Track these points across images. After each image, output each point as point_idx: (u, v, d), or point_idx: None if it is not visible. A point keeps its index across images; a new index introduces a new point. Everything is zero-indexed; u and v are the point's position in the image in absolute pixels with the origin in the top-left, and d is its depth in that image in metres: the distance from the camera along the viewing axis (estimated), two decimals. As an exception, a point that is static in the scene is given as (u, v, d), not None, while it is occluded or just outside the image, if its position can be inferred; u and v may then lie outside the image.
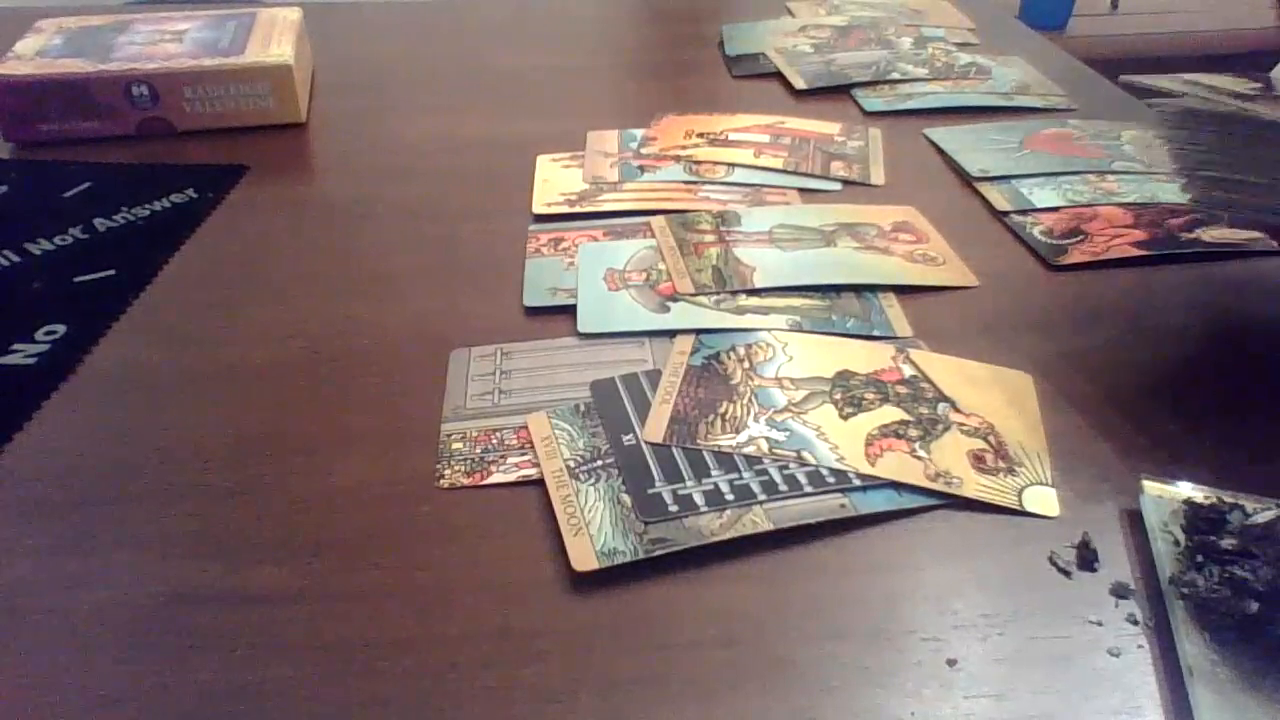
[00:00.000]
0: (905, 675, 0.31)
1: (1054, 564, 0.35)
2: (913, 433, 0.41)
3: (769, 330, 0.47)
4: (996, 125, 0.69)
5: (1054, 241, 0.55)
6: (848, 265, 0.52)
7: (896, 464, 0.39)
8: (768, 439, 0.40)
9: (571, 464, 0.39)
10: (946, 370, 0.45)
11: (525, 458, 0.40)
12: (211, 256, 0.55)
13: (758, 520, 0.36)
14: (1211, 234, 0.55)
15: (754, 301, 0.50)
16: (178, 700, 0.30)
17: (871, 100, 0.74)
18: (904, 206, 0.59)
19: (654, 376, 0.44)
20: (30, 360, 0.46)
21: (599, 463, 0.39)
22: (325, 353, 0.47)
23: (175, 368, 0.46)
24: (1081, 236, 0.55)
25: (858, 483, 0.38)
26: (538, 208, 0.59)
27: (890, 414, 0.42)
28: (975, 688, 0.31)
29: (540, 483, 0.38)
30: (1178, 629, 0.32)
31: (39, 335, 0.48)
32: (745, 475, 0.38)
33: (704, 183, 0.62)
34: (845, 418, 0.41)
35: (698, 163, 0.64)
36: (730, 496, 0.37)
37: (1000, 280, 0.52)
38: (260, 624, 0.33)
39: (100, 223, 0.58)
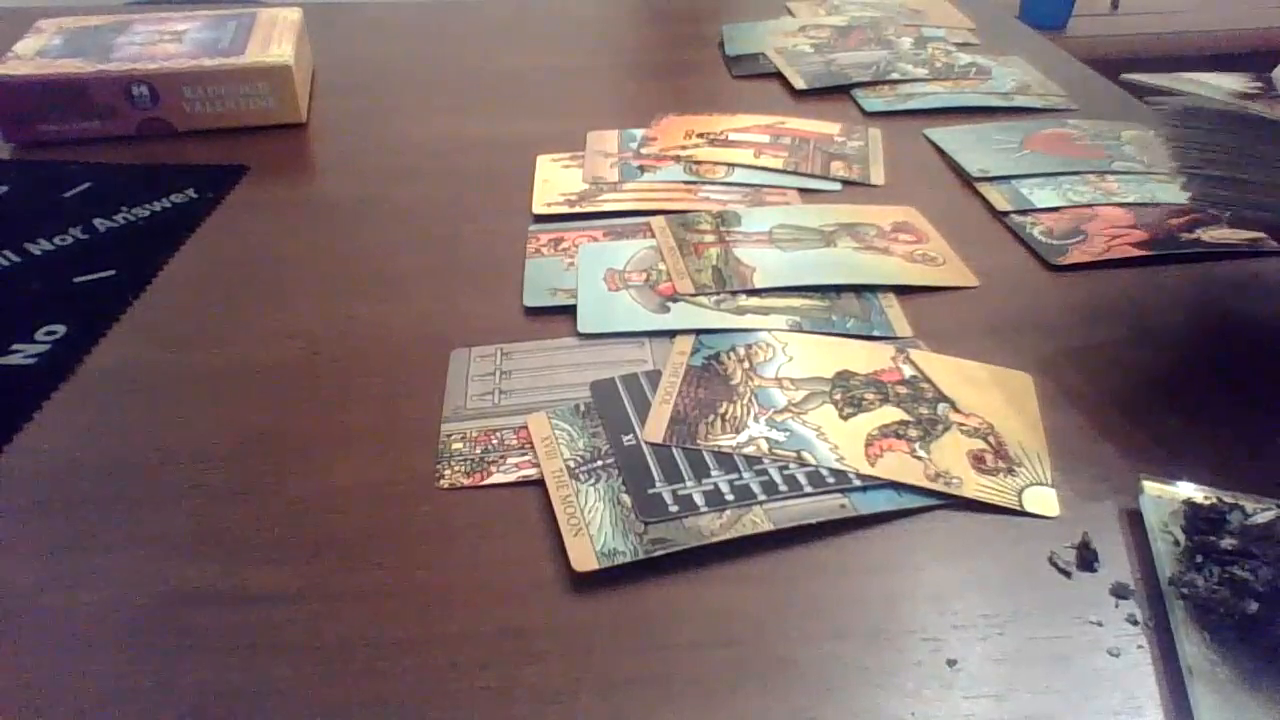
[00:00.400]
0: (905, 675, 0.31)
1: (1054, 564, 0.35)
2: (913, 433, 0.41)
3: (769, 330, 0.47)
4: (996, 125, 0.69)
5: (1054, 241, 0.55)
6: (848, 265, 0.52)
7: (896, 464, 0.39)
8: (768, 439, 0.40)
9: (571, 464, 0.39)
10: (946, 370, 0.45)
11: (525, 458, 0.40)
12: (211, 256, 0.55)
13: (758, 520, 0.36)
14: (1211, 234, 0.55)
15: (754, 302, 0.50)
16: (178, 700, 0.30)
17: (871, 100, 0.74)
18: (904, 207, 0.59)
19: (654, 377, 0.44)
20: (30, 360, 0.46)
21: (599, 463, 0.39)
22: (325, 353, 0.47)
23: (175, 368, 0.46)
24: (1081, 236, 0.55)
25: (858, 483, 0.38)
26: (538, 208, 0.59)
27: (890, 414, 0.42)
28: (975, 688, 0.31)
29: (540, 483, 0.38)
30: (1178, 629, 0.32)
31: (39, 335, 0.48)
32: (745, 475, 0.38)
33: (704, 183, 0.62)
34: (845, 418, 0.41)
35: (698, 163, 0.64)
36: (730, 497, 0.37)
37: (1000, 280, 0.52)
38: (260, 624, 0.33)
39: (100, 223, 0.58)
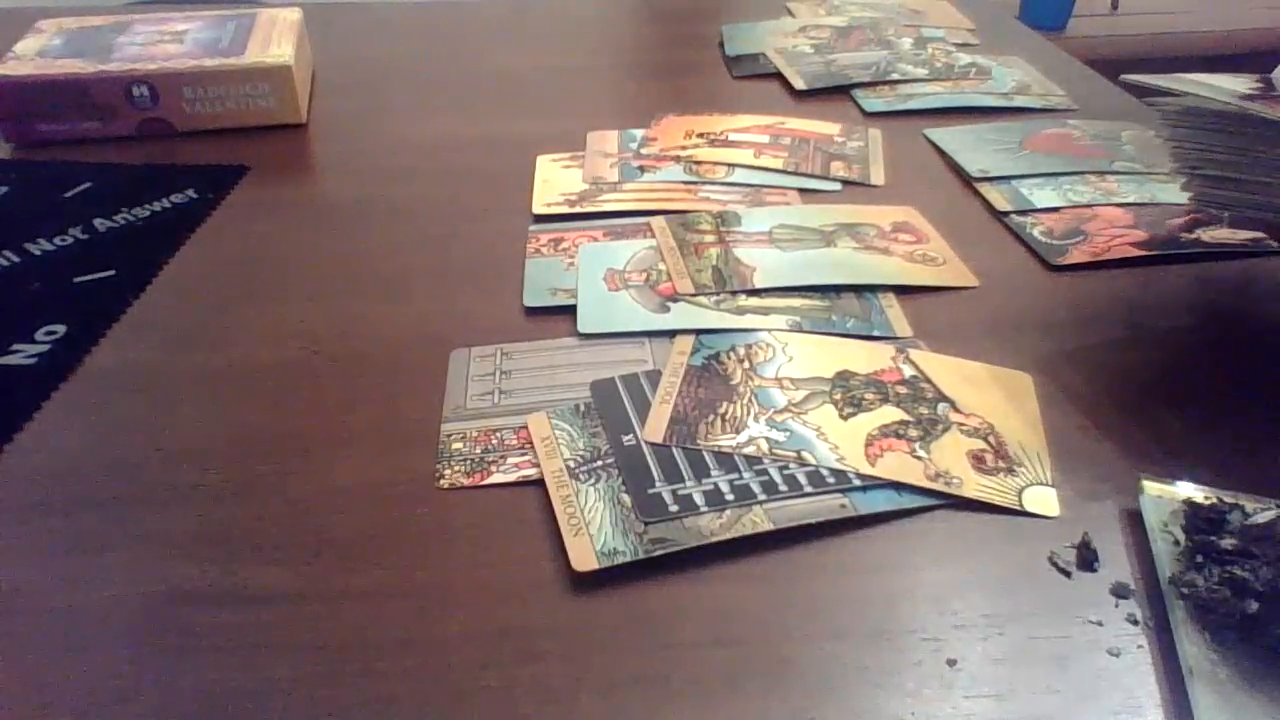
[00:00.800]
0: (905, 675, 0.31)
1: (1054, 564, 0.35)
2: (913, 433, 0.41)
3: (769, 330, 0.47)
4: (996, 125, 0.69)
5: (1054, 241, 0.55)
6: (848, 265, 0.52)
7: (896, 464, 0.39)
8: (768, 439, 0.40)
9: (571, 464, 0.39)
10: (946, 370, 0.45)
11: (525, 458, 0.40)
12: (211, 256, 0.55)
13: (758, 520, 0.36)
14: (1211, 234, 0.55)
15: (754, 302, 0.50)
16: (178, 700, 0.30)
17: (871, 101, 0.74)
18: (904, 207, 0.59)
19: (654, 377, 0.44)
20: (30, 360, 0.46)
21: (599, 463, 0.39)
22: (325, 353, 0.47)
23: (175, 368, 0.46)
24: (1081, 236, 0.55)
25: (858, 483, 0.38)
26: (538, 208, 0.59)
27: (890, 414, 0.42)
28: (975, 688, 0.31)
29: (540, 483, 0.38)
30: (1178, 629, 0.32)
31: (39, 335, 0.48)
32: (745, 475, 0.38)
33: (704, 183, 0.62)
34: (845, 418, 0.41)
35: (698, 163, 0.64)
36: (730, 496, 0.37)
37: (1000, 280, 0.52)
38: (260, 624, 0.33)
39: (100, 223, 0.58)
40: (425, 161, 0.66)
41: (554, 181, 0.62)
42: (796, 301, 0.50)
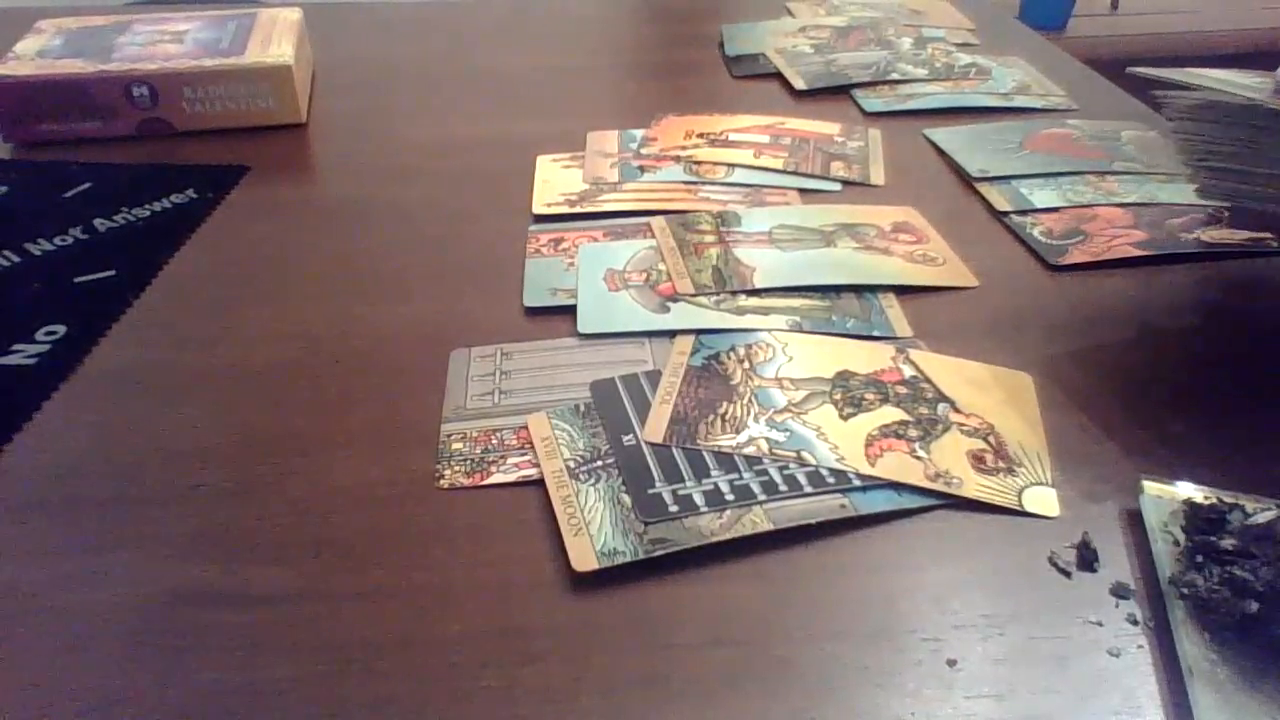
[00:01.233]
0: (905, 675, 0.31)
1: (1054, 564, 0.35)
2: (913, 433, 0.41)
3: (769, 330, 0.47)
4: (996, 125, 0.69)
5: (1054, 241, 0.55)
6: (848, 266, 0.52)
7: (896, 464, 0.39)
8: (768, 439, 0.40)
9: (571, 464, 0.39)
10: (946, 370, 0.45)
11: (525, 458, 0.40)
12: (211, 256, 0.55)
13: (758, 520, 0.36)
14: (1211, 234, 0.55)
15: (754, 302, 0.50)
16: (178, 700, 0.30)
17: (871, 101, 0.74)
18: (904, 207, 0.59)
19: (654, 377, 0.44)
20: (30, 360, 0.46)
21: (599, 463, 0.39)
22: (325, 353, 0.47)
23: (175, 368, 0.46)
24: (1081, 236, 0.55)
25: (858, 483, 0.38)
26: (538, 208, 0.59)
27: (890, 414, 0.42)
28: (975, 688, 0.31)
29: (540, 483, 0.38)
30: (1178, 629, 0.32)
31: (39, 335, 0.48)
32: (745, 475, 0.38)
33: (704, 183, 0.62)
34: (845, 418, 0.41)
35: (698, 163, 0.64)
36: (730, 496, 0.37)
37: (1000, 280, 0.52)
38: (260, 624, 0.33)
39: (100, 223, 0.58)
40: (425, 161, 0.66)
41: (554, 181, 0.62)
42: (796, 301, 0.50)
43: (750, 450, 0.39)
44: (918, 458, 0.39)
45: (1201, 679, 0.30)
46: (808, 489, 0.38)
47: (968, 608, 0.34)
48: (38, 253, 0.55)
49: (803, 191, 0.62)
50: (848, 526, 0.37)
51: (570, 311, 0.49)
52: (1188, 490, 0.37)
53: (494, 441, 0.41)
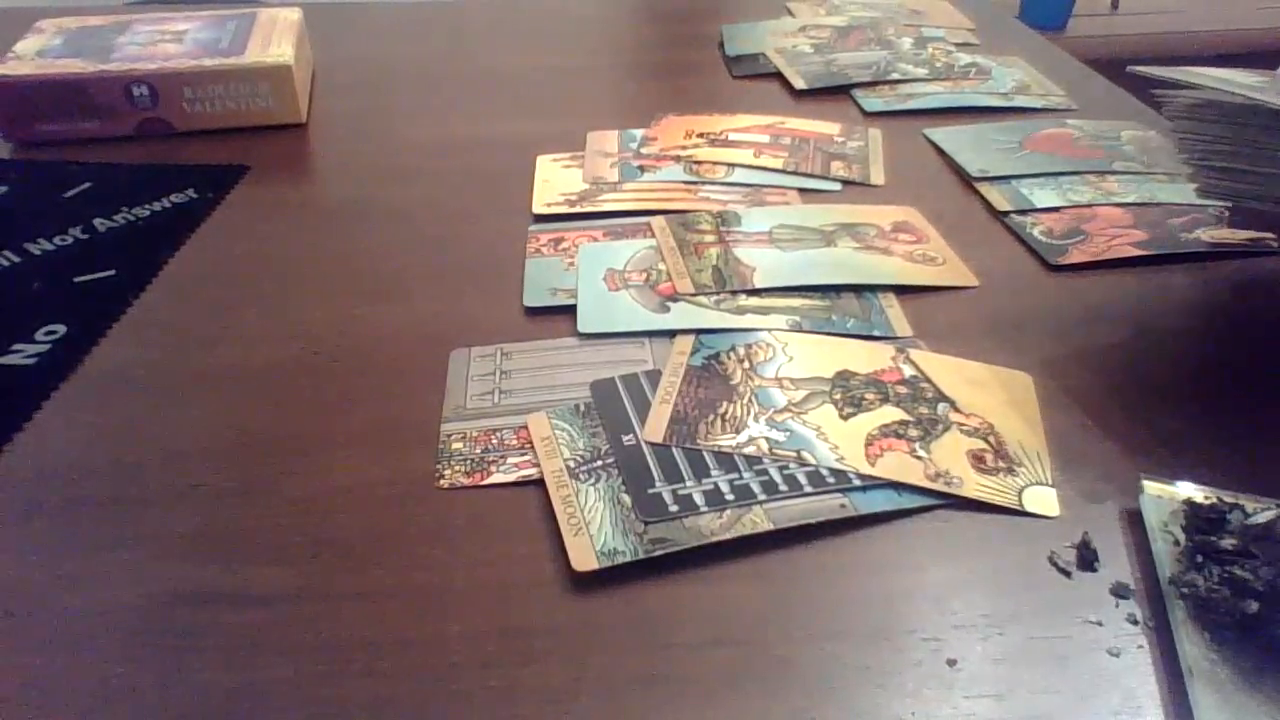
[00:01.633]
0: (905, 675, 0.31)
1: (1054, 564, 0.35)
2: (913, 433, 0.41)
3: (769, 330, 0.47)
4: (996, 125, 0.69)
5: (1054, 241, 0.55)
6: (848, 265, 0.52)
7: (896, 464, 0.39)
8: (768, 439, 0.40)
9: (571, 464, 0.39)
10: (946, 370, 0.45)
11: (525, 458, 0.40)
12: (211, 256, 0.55)
13: (758, 520, 0.36)
14: (1211, 234, 0.55)
15: (754, 301, 0.50)
16: (178, 700, 0.30)
17: (871, 100, 0.74)
18: (904, 206, 0.59)
19: (654, 376, 0.44)
20: (30, 360, 0.46)
21: (599, 463, 0.39)
22: (325, 353, 0.47)
23: (175, 368, 0.46)
24: (1081, 236, 0.55)
25: (858, 483, 0.38)
26: (538, 208, 0.59)
27: (890, 414, 0.42)
28: (975, 688, 0.31)
29: (540, 483, 0.38)
30: (1178, 629, 0.32)
31: (39, 335, 0.48)
32: (745, 475, 0.38)
33: (704, 183, 0.62)
34: (845, 418, 0.41)
35: (698, 163, 0.64)
36: (730, 496, 0.37)
37: (1000, 280, 0.52)
38: (260, 624, 0.33)
39: (100, 223, 0.58)
40: (425, 161, 0.66)
41: (554, 181, 0.62)
42: (796, 301, 0.50)
43: (750, 450, 0.39)
44: (918, 458, 0.39)
45: (1201, 679, 0.30)
46: (808, 489, 0.38)
47: (968, 608, 0.34)
48: (38, 253, 0.55)
49: (803, 191, 0.62)
50: (848, 526, 0.37)
51: (570, 311, 0.49)
52: (1188, 490, 0.37)
53: (494, 441, 0.41)
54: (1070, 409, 0.43)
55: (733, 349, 0.46)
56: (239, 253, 0.56)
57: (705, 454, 0.39)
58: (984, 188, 0.61)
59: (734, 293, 0.50)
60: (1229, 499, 0.36)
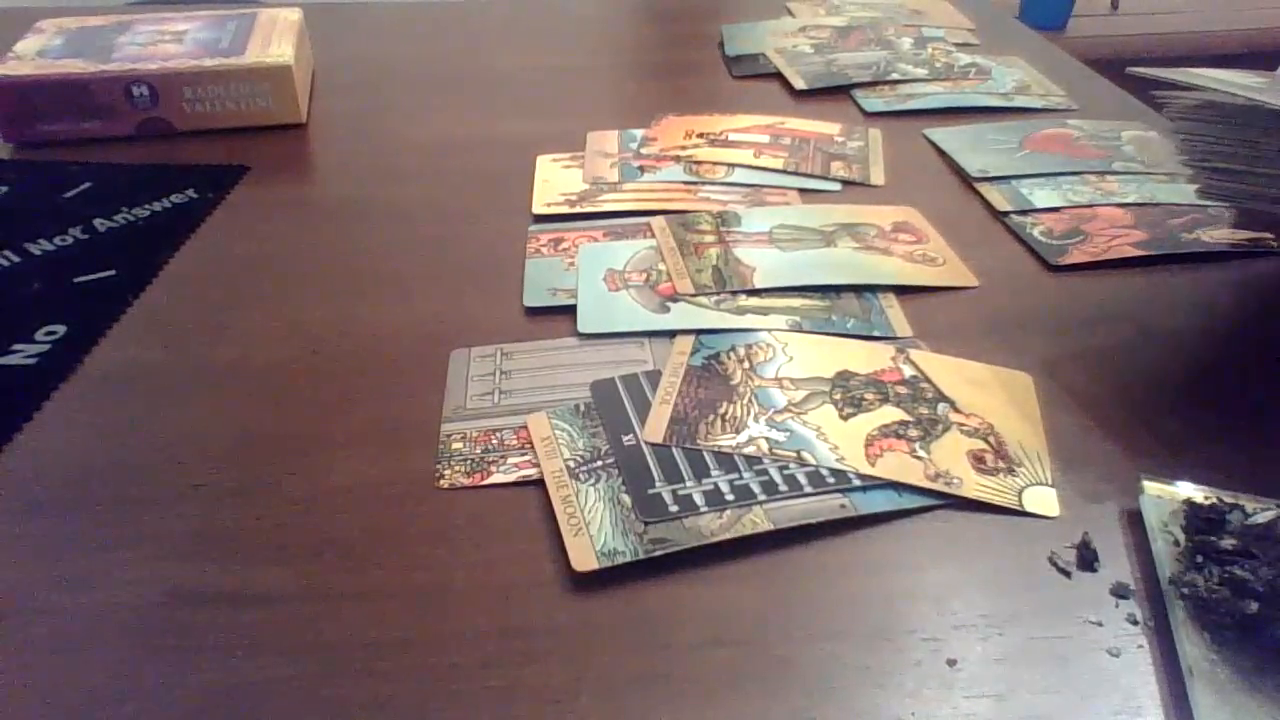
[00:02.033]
0: (905, 675, 0.31)
1: (1054, 564, 0.35)
2: (913, 433, 0.40)
3: (769, 330, 0.47)
4: (996, 125, 0.69)
5: (1054, 241, 0.55)
6: (848, 265, 0.52)
7: (896, 464, 0.39)
8: (768, 439, 0.40)
9: (571, 464, 0.39)
10: (946, 370, 0.45)
11: (525, 458, 0.40)
12: (211, 256, 0.55)
13: (758, 520, 0.36)
14: (1211, 234, 0.55)
15: (754, 302, 0.50)
16: (178, 700, 0.30)
17: (871, 101, 0.74)
18: (904, 207, 0.59)
19: (654, 377, 0.44)
20: (30, 360, 0.46)
21: (599, 463, 0.39)
22: (325, 353, 0.47)
23: (175, 368, 0.46)
24: (1081, 236, 0.55)
25: (858, 483, 0.38)
26: (538, 208, 0.59)
27: (890, 414, 0.42)
28: (975, 688, 0.31)
29: (540, 483, 0.38)
30: (1178, 629, 0.32)
31: (39, 335, 0.48)
32: (745, 475, 0.38)
33: (704, 183, 0.62)
34: (845, 418, 0.41)
35: (698, 163, 0.64)
36: (730, 497, 0.37)
37: (1000, 280, 0.52)
38: (260, 624, 0.33)
39: (100, 223, 0.58)
40: (425, 161, 0.66)
41: (554, 181, 0.62)
42: (796, 301, 0.50)
43: (750, 450, 0.39)
44: (918, 458, 0.39)
45: (1201, 679, 0.30)
46: (808, 489, 0.38)
47: (968, 608, 0.34)
48: (38, 253, 0.55)
49: (803, 191, 0.62)
50: (848, 526, 0.37)
51: (570, 311, 0.49)
52: (1188, 490, 0.37)
53: (494, 441, 0.41)
54: (1070, 409, 0.43)
55: (733, 349, 0.46)
56: (239, 253, 0.56)
57: (705, 454, 0.39)
58: (984, 188, 0.61)
59: (734, 293, 0.50)
60: (1229, 499, 0.36)
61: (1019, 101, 0.73)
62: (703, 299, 0.50)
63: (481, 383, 0.44)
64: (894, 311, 0.49)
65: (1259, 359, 0.46)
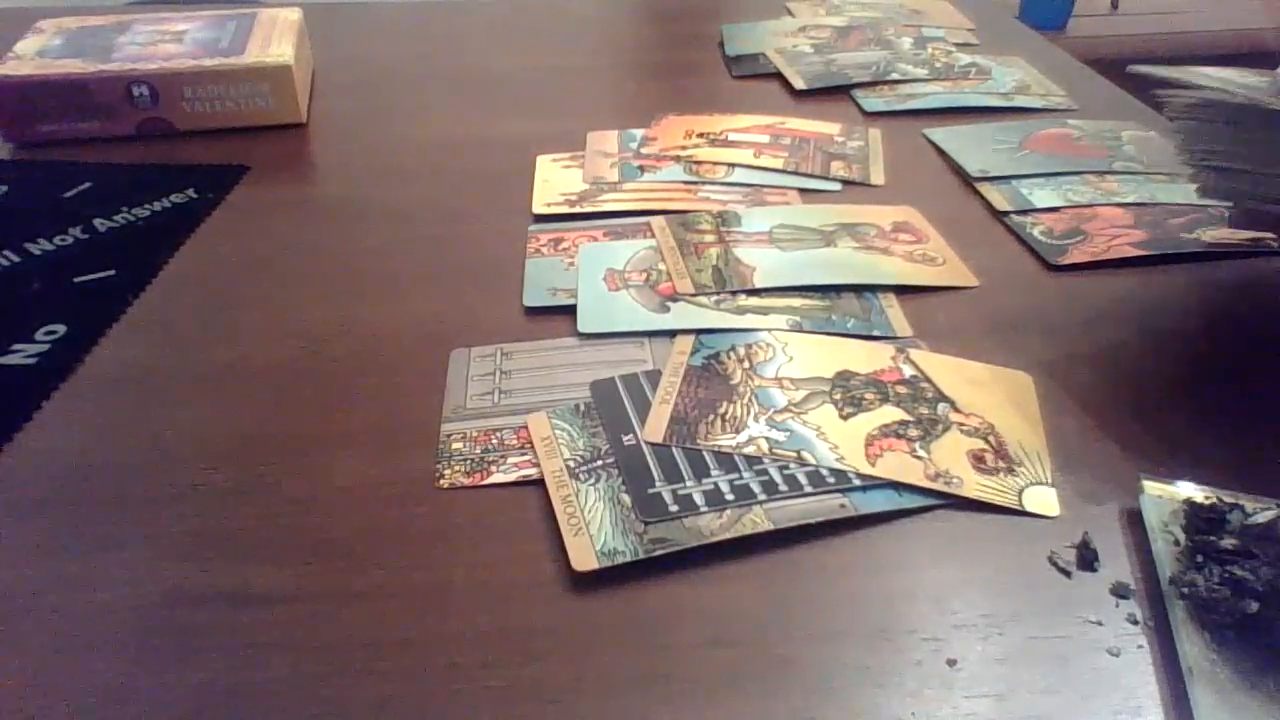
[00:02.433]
0: (905, 675, 0.31)
1: (1054, 564, 0.35)
2: (913, 433, 0.41)
3: (769, 330, 0.47)
4: (996, 125, 0.69)
5: (1054, 241, 0.55)
6: (848, 265, 0.52)
7: (896, 464, 0.39)
8: (768, 439, 0.40)
9: (571, 464, 0.39)
10: (946, 370, 0.45)
11: (525, 458, 0.40)
12: (211, 256, 0.55)
13: (758, 520, 0.36)
14: (1211, 234, 0.55)
15: (754, 301, 0.50)
16: (178, 700, 0.30)
17: (871, 100, 0.74)
18: (904, 206, 0.59)
19: (654, 376, 0.44)
20: (30, 360, 0.46)
21: (599, 463, 0.39)
22: (325, 353, 0.47)
23: (175, 368, 0.46)
24: (1081, 236, 0.55)
25: (858, 483, 0.38)
26: (538, 208, 0.59)
27: (890, 414, 0.42)
28: (975, 688, 0.31)
29: (540, 483, 0.38)
30: (1178, 629, 0.32)
31: (39, 335, 0.48)
32: (745, 475, 0.38)
33: (704, 183, 0.62)
34: (845, 418, 0.41)
35: (698, 163, 0.64)
36: (730, 496, 0.37)
37: (1000, 280, 0.52)
38: (260, 624, 0.33)
39: (100, 223, 0.58)
40: (425, 161, 0.66)
41: (554, 181, 0.62)
42: (796, 301, 0.50)
43: (750, 450, 0.39)
44: (918, 457, 0.39)
45: (1201, 679, 0.30)
46: (808, 489, 0.38)
47: (968, 608, 0.34)
48: (38, 253, 0.55)
49: (803, 191, 0.62)
50: (848, 526, 0.37)
51: (570, 311, 0.49)
52: (1188, 490, 0.37)
53: (494, 441, 0.41)
54: (1070, 409, 0.43)
55: (733, 349, 0.46)
56: (239, 253, 0.56)
57: (705, 454, 0.39)
58: (984, 188, 0.61)
59: (734, 293, 0.50)
60: (1229, 499, 0.36)
61: (1019, 101, 0.73)
62: (703, 299, 0.50)
63: (481, 382, 0.44)
64: (894, 311, 0.49)
65: (1259, 359, 0.46)
